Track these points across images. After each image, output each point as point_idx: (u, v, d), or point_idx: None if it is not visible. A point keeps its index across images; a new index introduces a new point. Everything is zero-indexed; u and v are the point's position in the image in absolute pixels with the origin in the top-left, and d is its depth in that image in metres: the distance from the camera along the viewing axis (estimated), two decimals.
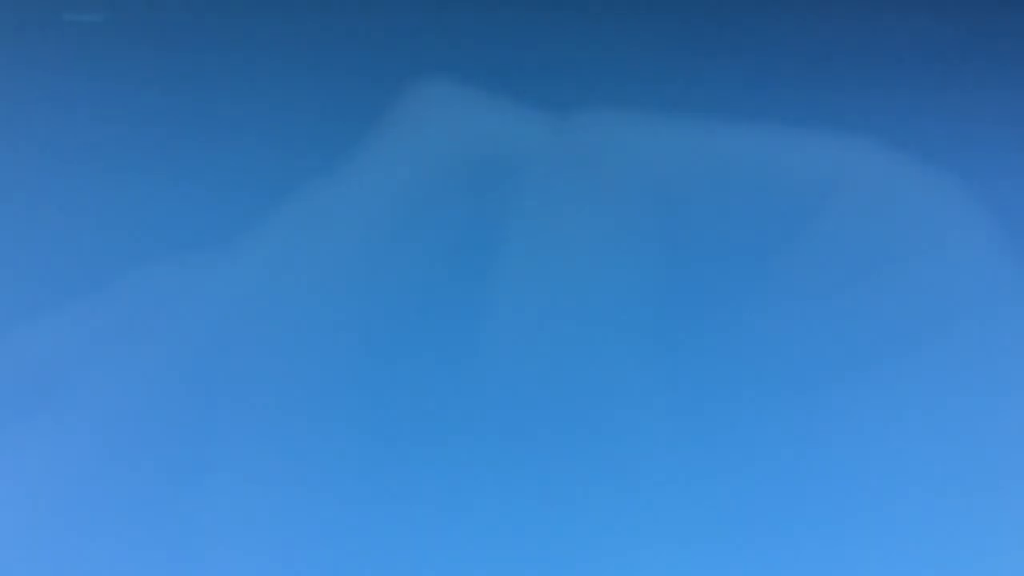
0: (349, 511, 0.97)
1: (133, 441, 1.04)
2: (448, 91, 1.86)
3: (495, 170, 1.59)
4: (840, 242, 1.40)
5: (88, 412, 1.07)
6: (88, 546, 0.91)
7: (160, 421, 1.06)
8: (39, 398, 1.10)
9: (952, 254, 1.37)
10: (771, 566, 0.92)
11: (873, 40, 2.06)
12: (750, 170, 1.58)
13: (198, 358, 1.17)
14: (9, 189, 1.54)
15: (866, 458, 1.03)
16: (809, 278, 1.32)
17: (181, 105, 1.84)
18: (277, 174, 1.59)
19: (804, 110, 1.78)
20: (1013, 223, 1.44)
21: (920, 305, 1.27)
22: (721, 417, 1.08)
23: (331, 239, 1.40)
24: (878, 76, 1.92)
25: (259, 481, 1.00)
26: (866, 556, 0.92)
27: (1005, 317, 1.25)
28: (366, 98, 1.83)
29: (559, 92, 1.85)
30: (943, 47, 2.02)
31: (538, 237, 1.41)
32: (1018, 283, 1.31)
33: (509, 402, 1.10)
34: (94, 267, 1.34)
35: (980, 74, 1.92)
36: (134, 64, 2.00)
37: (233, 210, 1.48)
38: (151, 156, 1.65)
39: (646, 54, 2.02)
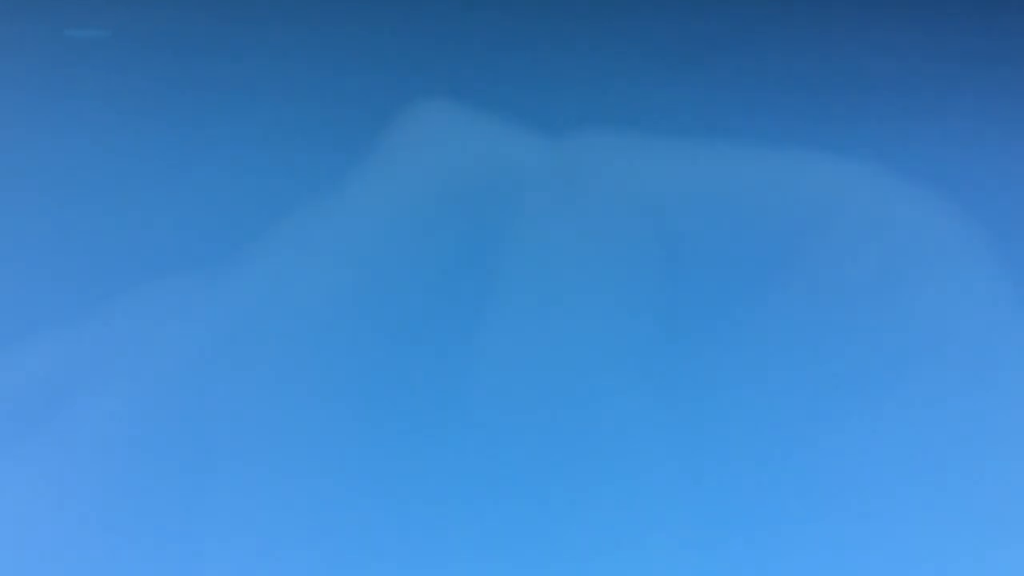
0: (349, 535, 0.97)
1: (132, 457, 1.04)
2: (445, 112, 1.87)
3: (492, 190, 1.59)
4: (839, 262, 1.40)
5: (89, 429, 1.08)
6: (91, 558, 0.92)
7: (159, 435, 1.07)
8: (39, 414, 1.10)
9: (949, 273, 1.37)
10: None
11: (868, 61, 2.08)
12: (747, 191, 1.59)
13: (194, 375, 1.17)
14: (11, 201, 1.55)
15: (871, 488, 1.03)
16: (808, 298, 1.33)
17: (180, 121, 1.84)
18: (276, 193, 1.60)
19: (800, 131, 1.79)
20: (1010, 241, 1.44)
21: (919, 326, 1.27)
22: (721, 438, 1.09)
23: (326, 258, 1.41)
24: (874, 97, 1.93)
25: (262, 496, 1.00)
26: None
27: (1003, 334, 1.25)
28: (363, 119, 1.84)
29: (554, 113, 1.86)
30: (939, 68, 2.04)
31: (534, 257, 1.42)
32: (1015, 301, 1.31)
33: (506, 423, 1.10)
34: (94, 280, 1.35)
35: (975, 94, 1.93)
36: (134, 80, 2.01)
37: (231, 227, 1.49)
38: (150, 172, 1.66)
39: (642, 76, 2.03)
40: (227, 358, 1.19)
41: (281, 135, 1.79)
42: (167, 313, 1.27)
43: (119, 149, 1.73)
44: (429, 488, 1.00)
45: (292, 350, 1.21)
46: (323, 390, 1.14)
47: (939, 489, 1.02)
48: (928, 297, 1.33)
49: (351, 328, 1.26)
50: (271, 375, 1.17)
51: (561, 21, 2.28)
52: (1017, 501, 1.00)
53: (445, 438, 1.07)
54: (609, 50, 2.14)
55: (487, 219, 1.51)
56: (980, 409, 1.12)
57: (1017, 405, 1.13)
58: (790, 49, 2.13)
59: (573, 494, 1.00)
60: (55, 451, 1.04)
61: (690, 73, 2.02)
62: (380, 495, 0.99)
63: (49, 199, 1.56)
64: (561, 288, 1.35)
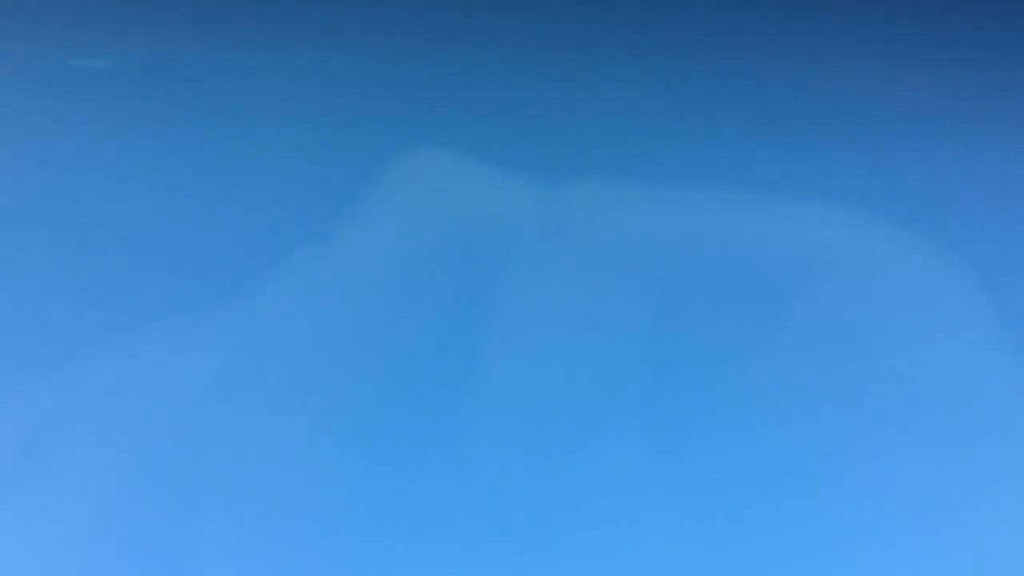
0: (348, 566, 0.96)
1: (139, 474, 1.03)
2: (439, 162, 1.88)
3: (486, 241, 1.59)
4: (837, 314, 1.40)
5: (87, 475, 1.07)
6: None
7: (165, 457, 1.06)
8: (37, 460, 1.09)
9: (947, 325, 1.37)
10: None
11: (871, 107, 2.09)
12: (743, 241, 1.59)
13: (195, 406, 1.17)
14: (19, 225, 1.55)
15: (862, 532, 1.03)
16: (806, 351, 1.33)
17: (184, 153, 1.85)
18: (269, 242, 1.60)
19: (798, 180, 1.80)
20: (1006, 290, 1.44)
21: (917, 379, 1.27)
22: (716, 492, 1.08)
23: (320, 309, 1.40)
24: (876, 145, 1.94)
25: (265, 518, 0.99)
26: None
27: (998, 386, 1.25)
28: (357, 169, 1.85)
29: (549, 163, 1.87)
30: (934, 112, 2.05)
31: (529, 308, 1.42)
32: (1011, 352, 1.31)
33: (500, 474, 1.10)
34: (90, 320, 1.34)
35: (971, 139, 1.94)
36: (135, 112, 2.02)
37: (225, 275, 1.49)
38: (154, 199, 1.66)
39: (637, 124, 2.04)
40: (223, 389, 1.19)
41: (276, 184, 1.79)
42: (171, 344, 1.27)
43: (123, 178, 1.74)
44: (421, 531, 1.00)
45: (289, 393, 1.21)
46: (318, 435, 1.14)
47: (934, 536, 1.01)
48: (923, 344, 1.32)
49: (345, 385, 1.25)
50: (263, 430, 1.16)
51: (555, 70, 2.30)
52: (1011, 543, 0.99)
53: (439, 481, 1.06)
54: (605, 98, 2.15)
55: (482, 266, 1.51)
56: (975, 464, 1.12)
57: (1011, 448, 1.13)
58: (785, 97, 2.14)
59: (568, 544, 0.99)
60: (61, 473, 1.03)
61: (684, 122, 2.04)
62: (372, 537, 0.99)
63: (54, 223, 1.56)
64: (555, 335, 1.35)
